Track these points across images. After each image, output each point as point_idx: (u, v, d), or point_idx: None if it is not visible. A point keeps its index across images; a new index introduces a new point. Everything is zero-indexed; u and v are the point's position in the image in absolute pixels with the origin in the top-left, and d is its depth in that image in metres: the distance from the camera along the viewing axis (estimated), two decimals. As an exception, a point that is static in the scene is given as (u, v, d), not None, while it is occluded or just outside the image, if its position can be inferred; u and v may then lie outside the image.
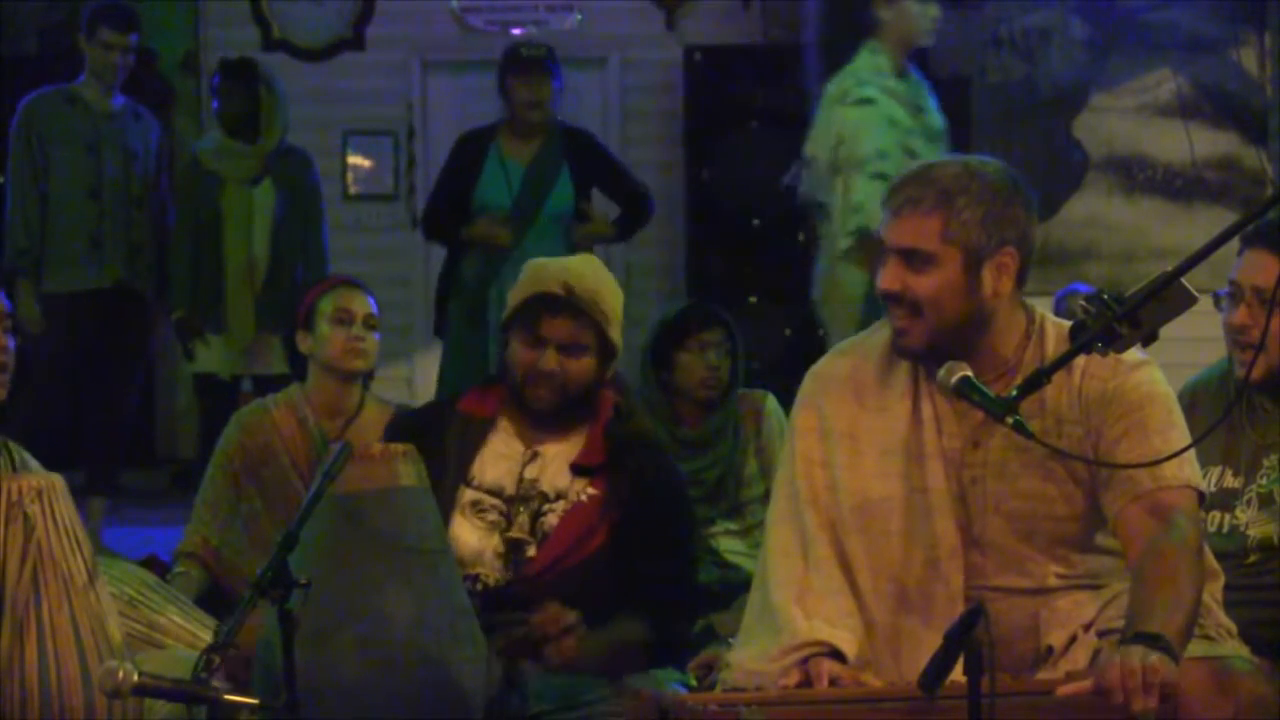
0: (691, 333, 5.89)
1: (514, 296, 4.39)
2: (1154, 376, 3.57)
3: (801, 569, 3.59)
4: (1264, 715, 3.47)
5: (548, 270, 4.38)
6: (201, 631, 4.45)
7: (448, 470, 4.34)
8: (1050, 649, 3.55)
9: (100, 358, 7.93)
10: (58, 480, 3.80)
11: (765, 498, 5.98)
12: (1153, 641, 3.19)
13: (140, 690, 3.19)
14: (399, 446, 4.03)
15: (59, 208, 7.90)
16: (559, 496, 4.33)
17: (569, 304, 4.31)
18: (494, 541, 4.31)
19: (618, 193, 7.95)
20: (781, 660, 3.51)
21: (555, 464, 4.36)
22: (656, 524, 4.30)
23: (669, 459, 4.51)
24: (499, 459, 4.37)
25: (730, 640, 4.77)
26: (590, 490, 4.34)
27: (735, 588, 5.54)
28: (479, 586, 4.29)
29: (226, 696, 3.23)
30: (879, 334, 3.69)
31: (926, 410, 3.57)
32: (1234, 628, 3.62)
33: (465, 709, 3.93)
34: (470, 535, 4.32)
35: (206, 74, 10.14)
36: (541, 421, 4.38)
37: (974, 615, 3.03)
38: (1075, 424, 3.54)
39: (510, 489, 4.34)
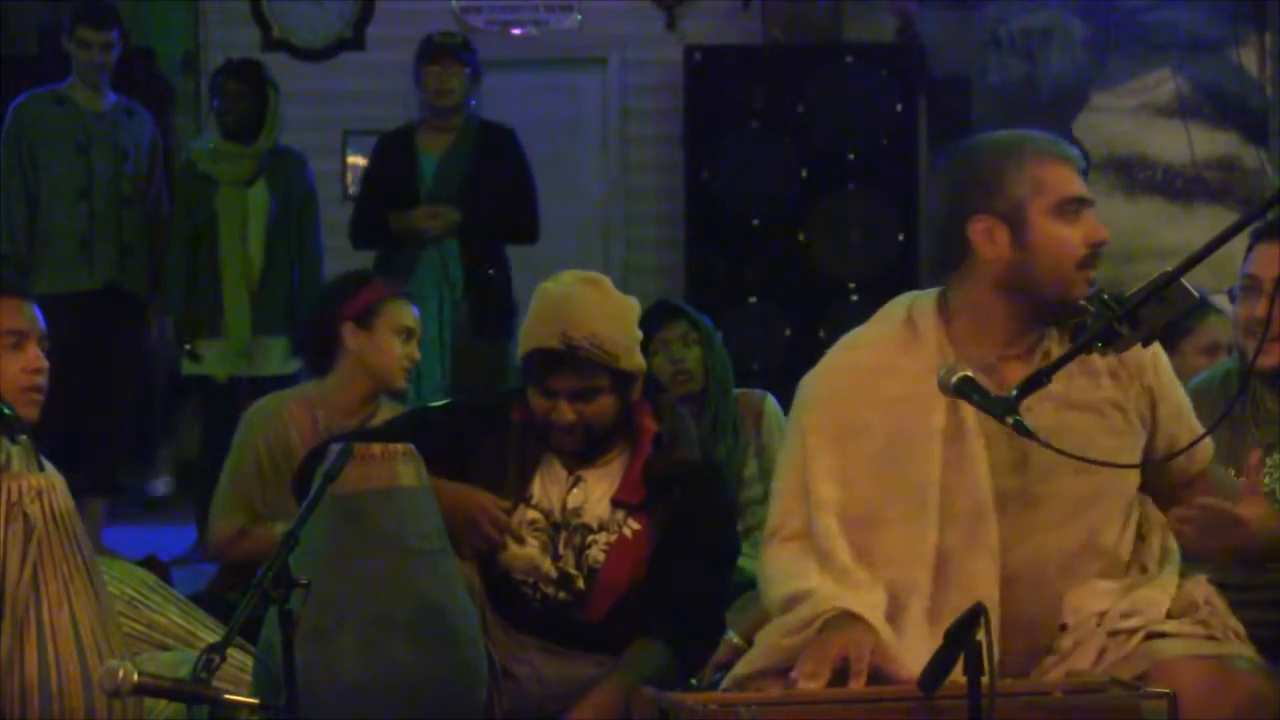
0: (652, 334, 5.87)
1: (521, 340, 4.30)
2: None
3: (815, 563, 3.56)
4: (1264, 713, 3.47)
5: (546, 315, 4.23)
6: (202, 631, 4.45)
7: (507, 482, 4.31)
8: (1064, 626, 3.55)
9: (94, 360, 7.92)
10: (58, 480, 3.80)
11: (765, 498, 5.99)
12: None
13: (140, 690, 3.19)
14: (399, 446, 4.03)
15: (49, 210, 7.89)
16: (601, 528, 4.29)
17: (570, 356, 4.19)
18: (546, 564, 4.29)
19: (510, 202, 7.70)
20: (804, 632, 3.47)
21: (597, 492, 4.31)
22: (693, 553, 4.26)
23: (714, 484, 4.40)
24: (548, 481, 4.33)
25: (726, 634, 4.78)
26: (633, 524, 4.29)
27: (735, 588, 5.53)
28: (538, 596, 4.28)
29: (226, 696, 3.23)
30: (881, 326, 3.67)
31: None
32: (1242, 630, 3.62)
33: (465, 709, 3.93)
34: (525, 553, 4.29)
35: (206, 74, 10.13)
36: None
37: (974, 615, 3.02)
38: (1125, 380, 3.62)
39: (556, 514, 4.31)
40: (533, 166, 7.99)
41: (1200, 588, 3.62)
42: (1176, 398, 3.70)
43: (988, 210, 3.54)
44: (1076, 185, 3.55)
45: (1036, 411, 3.49)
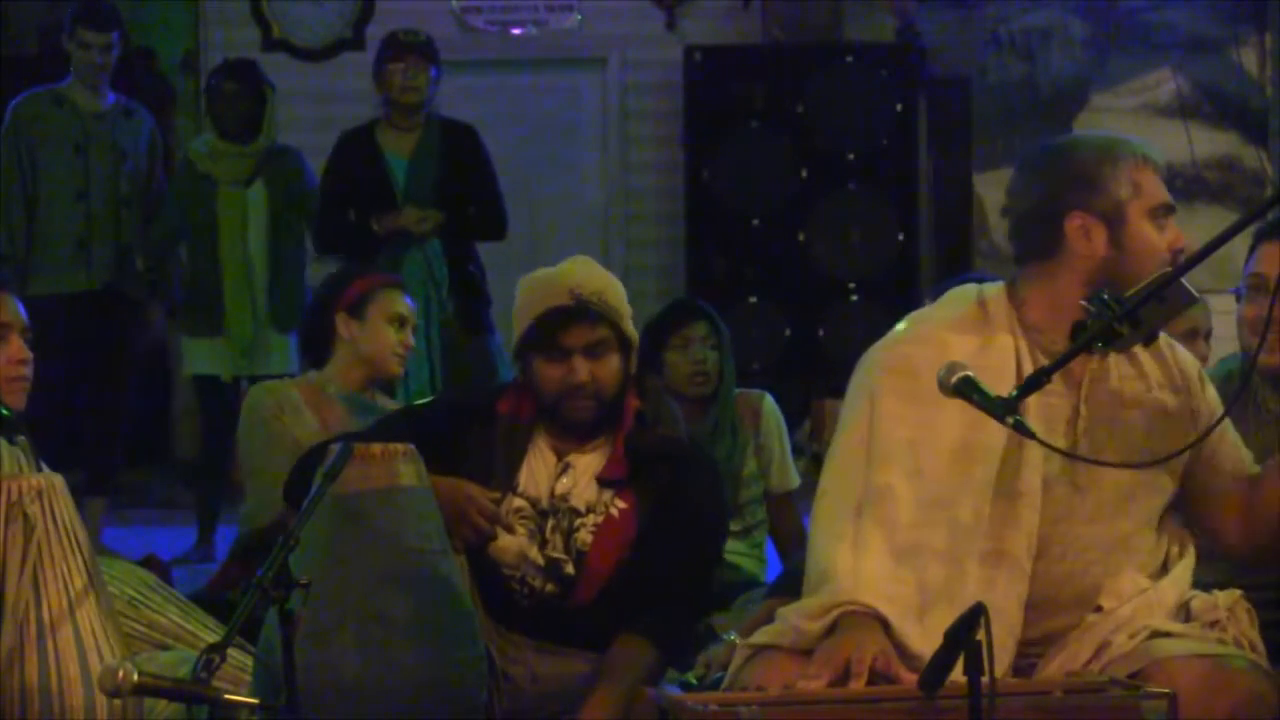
0: (674, 331, 5.89)
1: (522, 317, 4.32)
2: None
3: (855, 529, 3.55)
4: (1262, 713, 3.47)
5: (549, 282, 4.32)
6: (202, 631, 4.45)
7: (494, 474, 4.31)
8: (1100, 608, 3.57)
9: (92, 360, 7.92)
10: (58, 480, 3.80)
11: (764, 498, 5.99)
12: None
13: (140, 690, 3.19)
14: (399, 446, 4.02)
15: (47, 210, 7.88)
16: (589, 510, 4.29)
17: (581, 310, 4.26)
18: (534, 552, 4.29)
19: (480, 201, 7.70)
20: (822, 618, 3.48)
21: (585, 476, 4.32)
22: (679, 531, 4.26)
23: (699, 462, 4.41)
24: (536, 469, 4.33)
25: (727, 635, 4.78)
26: (619, 503, 4.29)
27: (735, 588, 5.54)
28: (526, 590, 4.29)
29: (226, 696, 3.23)
30: (953, 307, 3.68)
31: (1028, 370, 3.56)
32: (1261, 645, 3.62)
33: (465, 709, 3.93)
34: (514, 542, 4.29)
35: (206, 74, 10.14)
36: (569, 430, 4.34)
37: (974, 615, 3.02)
38: (1171, 390, 3.65)
39: (544, 502, 4.31)
40: (532, 166, 8.00)
41: (1229, 597, 3.65)
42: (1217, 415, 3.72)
43: (1087, 208, 3.60)
44: (1166, 192, 3.65)
45: (1093, 404, 3.58)
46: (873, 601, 3.47)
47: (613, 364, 4.30)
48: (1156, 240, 3.61)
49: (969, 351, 3.55)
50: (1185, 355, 3.73)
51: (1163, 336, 3.66)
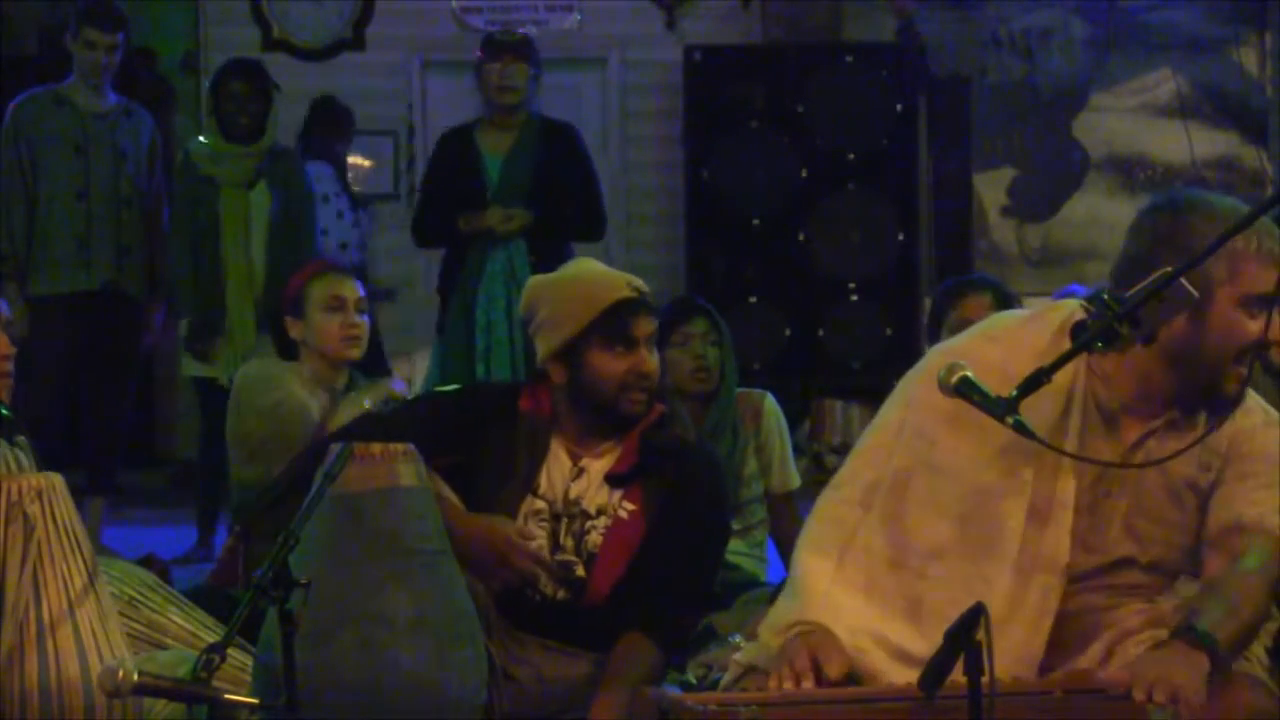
0: (675, 327, 5.89)
1: (573, 315, 4.30)
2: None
3: (840, 551, 3.52)
4: (1261, 723, 3.46)
5: (599, 279, 4.35)
6: (201, 631, 4.45)
7: (515, 471, 4.32)
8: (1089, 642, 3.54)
9: (92, 360, 7.91)
10: (58, 480, 3.80)
11: (764, 498, 5.99)
12: (1199, 640, 3.29)
13: (140, 690, 3.19)
14: (399, 446, 4.02)
15: (47, 210, 7.87)
16: (600, 512, 4.31)
17: (643, 301, 4.31)
18: (548, 556, 4.29)
19: (578, 200, 7.69)
20: (784, 634, 3.47)
21: (597, 479, 4.33)
22: (683, 530, 4.27)
23: (707, 464, 4.41)
24: (554, 471, 4.34)
25: (731, 637, 4.78)
26: (628, 505, 4.30)
27: (735, 588, 5.54)
28: (536, 597, 4.29)
29: (226, 696, 3.23)
30: (1034, 328, 3.57)
31: (1075, 422, 3.49)
32: (1265, 659, 3.61)
33: (464, 709, 3.93)
34: (531, 544, 4.30)
35: (206, 74, 10.14)
36: (591, 432, 4.34)
37: (974, 615, 3.02)
38: (1209, 465, 3.53)
39: (559, 505, 4.32)
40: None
41: None
42: (1246, 470, 3.55)
43: None
44: (1270, 283, 3.42)
45: (1123, 476, 3.49)
46: (829, 624, 3.45)
47: (658, 356, 4.36)
48: (1242, 328, 3.44)
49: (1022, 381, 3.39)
50: (1254, 428, 3.54)
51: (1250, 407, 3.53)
